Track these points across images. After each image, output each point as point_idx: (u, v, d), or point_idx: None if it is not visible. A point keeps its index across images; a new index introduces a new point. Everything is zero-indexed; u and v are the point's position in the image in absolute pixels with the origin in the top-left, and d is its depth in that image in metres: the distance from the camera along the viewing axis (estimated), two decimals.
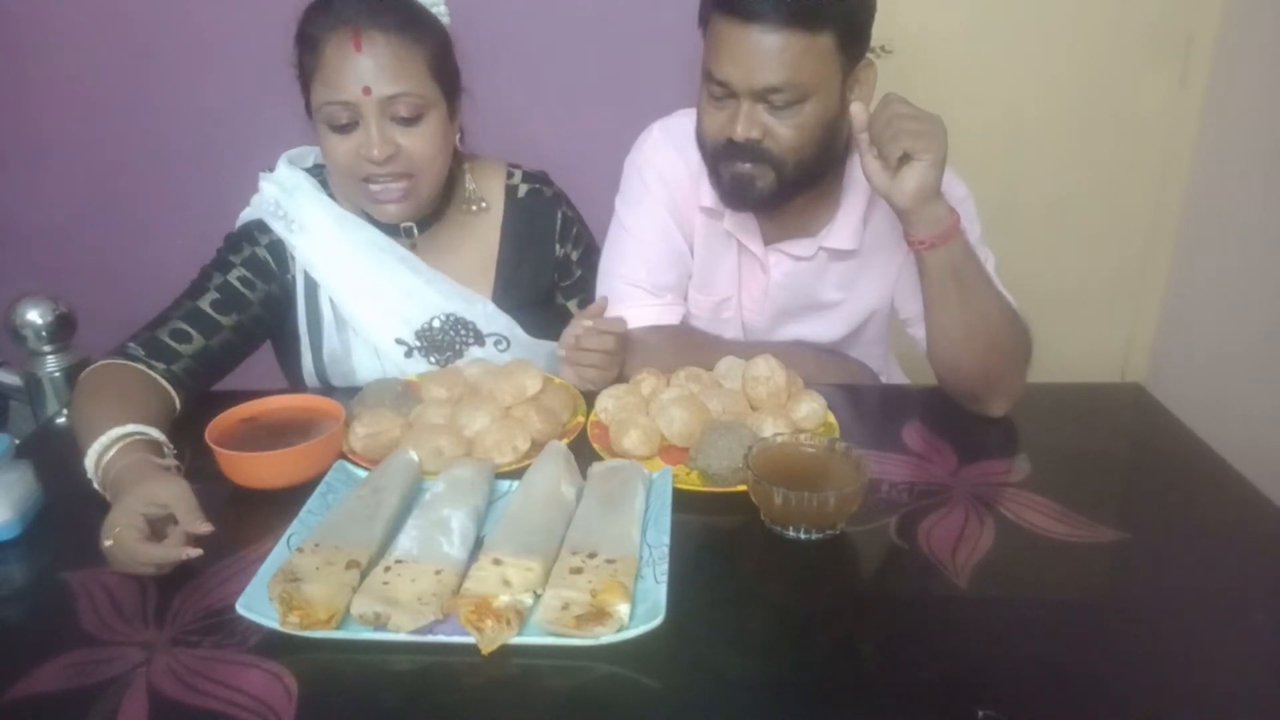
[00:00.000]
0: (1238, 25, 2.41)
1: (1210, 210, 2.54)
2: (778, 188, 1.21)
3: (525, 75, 2.25)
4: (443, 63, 1.23)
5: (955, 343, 1.18)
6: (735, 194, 1.24)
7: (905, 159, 1.10)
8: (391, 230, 1.32)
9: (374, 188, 1.22)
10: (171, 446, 1.04)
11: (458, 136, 1.30)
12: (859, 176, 1.23)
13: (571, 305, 1.46)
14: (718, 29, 1.14)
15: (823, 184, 1.28)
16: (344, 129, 1.19)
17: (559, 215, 1.42)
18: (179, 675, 0.76)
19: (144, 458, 0.97)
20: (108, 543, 0.88)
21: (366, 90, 1.16)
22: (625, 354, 1.29)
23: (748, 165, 1.19)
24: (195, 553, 0.87)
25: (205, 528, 0.88)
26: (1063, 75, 2.49)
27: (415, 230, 1.31)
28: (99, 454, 0.98)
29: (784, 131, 1.16)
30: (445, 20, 1.26)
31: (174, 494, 0.91)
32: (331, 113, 1.18)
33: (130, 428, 1.00)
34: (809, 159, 1.20)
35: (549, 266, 1.43)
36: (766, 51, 1.11)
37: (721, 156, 1.21)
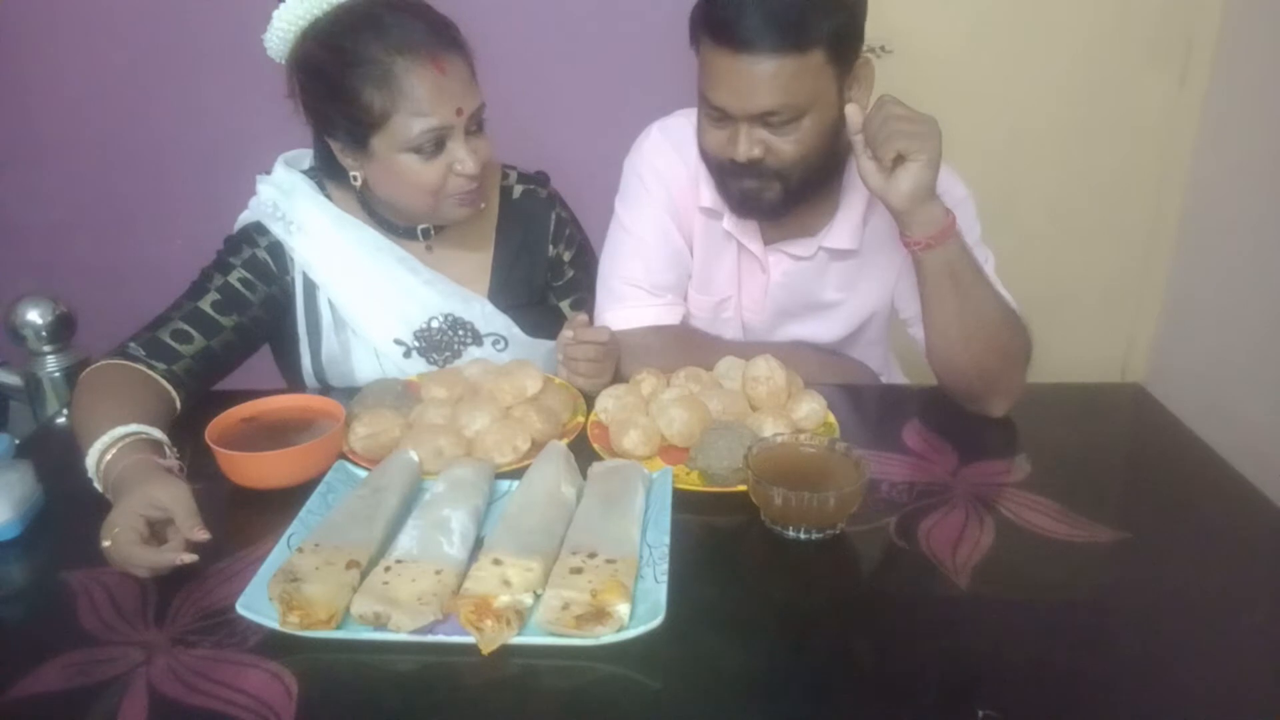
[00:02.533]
0: (1238, 26, 2.41)
1: (1210, 211, 2.54)
2: (785, 196, 1.22)
3: (525, 76, 2.24)
4: None
5: (953, 343, 1.18)
6: (745, 207, 1.26)
7: (899, 160, 1.11)
8: (394, 231, 1.32)
9: (456, 194, 1.24)
10: (173, 447, 1.04)
11: None
12: (859, 176, 1.23)
13: (564, 305, 1.46)
14: (708, 56, 1.15)
15: (826, 185, 1.28)
16: (432, 153, 1.19)
17: (553, 216, 1.43)
18: (179, 675, 0.76)
19: (146, 458, 0.97)
20: (106, 543, 0.88)
21: (459, 111, 1.18)
22: (618, 358, 1.30)
23: (753, 182, 1.21)
24: (191, 558, 0.87)
25: (203, 535, 0.88)
26: (1063, 75, 2.49)
27: (432, 231, 1.33)
28: (100, 454, 0.98)
29: (785, 148, 1.17)
30: None
31: (174, 497, 0.90)
32: (424, 140, 1.18)
33: (132, 427, 1.00)
34: (813, 167, 1.20)
35: (543, 267, 1.44)
36: (759, 78, 1.11)
37: (727, 173, 1.22)
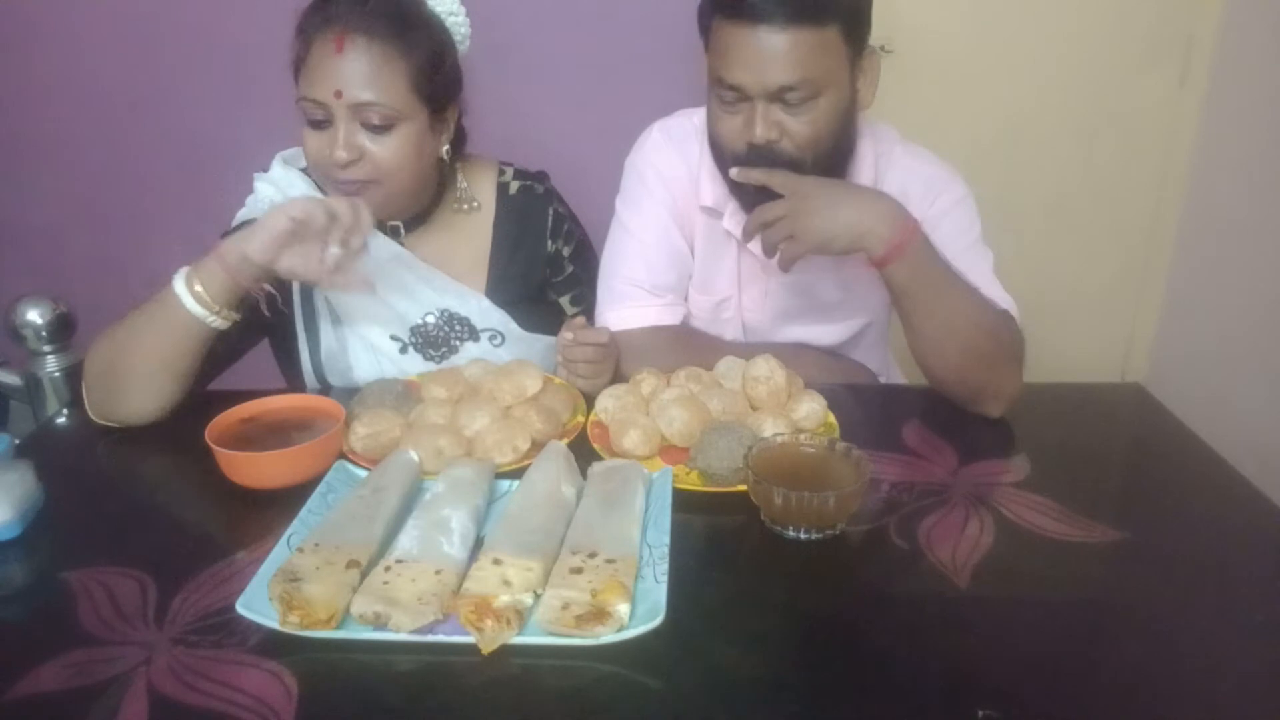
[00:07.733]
0: (1238, 26, 2.41)
1: (1210, 210, 2.54)
2: None
3: (526, 75, 2.24)
4: (431, 74, 1.22)
5: (926, 353, 1.18)
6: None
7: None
8: (381, 229, 1.32)
9: (334, 181, 1.24)
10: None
11: (446, 145, 1.30)
12: (861, 175, 1.23)
13: (563, 301, 1.46)
14: (723, 34, 1.13)
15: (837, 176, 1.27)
16: (319, 125, 1.20)
17: (550, 212, 1.43)
18: (179, 675, 0.76)
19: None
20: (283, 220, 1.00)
21: (338, 94, 1.17)
22: (617, 359, 1.29)
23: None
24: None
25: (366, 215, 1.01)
26: (1062, 75, 2.49)
27: (402, 230, 1.32)
28: (187, 281, 1.08)
29: (800, 129, 1.15)
30: (463, 30, 1.28)
31: (306, 205, 1.00)
32: (307, 108, 1.20)
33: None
34: (825, 152, 1.19)
35: (540, 262, 1.43)
36: (776, 51, 1.10)
37: (742, 164, 1.19)
